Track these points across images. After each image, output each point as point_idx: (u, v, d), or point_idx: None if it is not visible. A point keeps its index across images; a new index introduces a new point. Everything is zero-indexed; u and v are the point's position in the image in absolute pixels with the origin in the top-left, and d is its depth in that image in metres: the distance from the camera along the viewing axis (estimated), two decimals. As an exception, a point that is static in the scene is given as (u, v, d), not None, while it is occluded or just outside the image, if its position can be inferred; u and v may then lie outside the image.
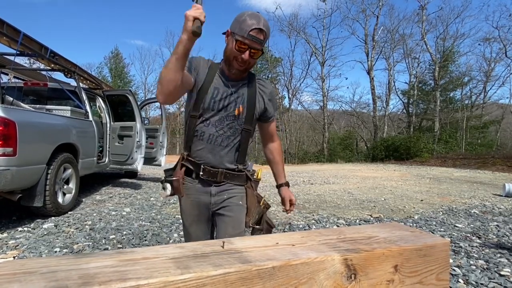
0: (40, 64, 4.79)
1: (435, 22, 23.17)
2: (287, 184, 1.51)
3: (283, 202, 1.50)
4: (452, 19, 22.82)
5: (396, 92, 25.64)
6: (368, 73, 23.25)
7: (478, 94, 24.04)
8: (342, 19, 30.69)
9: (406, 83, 26.32)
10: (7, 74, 4.46)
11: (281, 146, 1.55)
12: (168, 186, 1.35)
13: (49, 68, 4.81)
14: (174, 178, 1.33)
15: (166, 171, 1.41)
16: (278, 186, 1.53)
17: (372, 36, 23.27)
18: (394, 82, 24.85)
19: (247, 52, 1.19)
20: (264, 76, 27.09)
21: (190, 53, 1.10)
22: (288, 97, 26.94)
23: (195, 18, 1.02)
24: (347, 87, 44.44)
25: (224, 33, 1.25)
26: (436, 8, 31.04)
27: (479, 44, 23.09)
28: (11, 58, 4.21)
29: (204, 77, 1.27)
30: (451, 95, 24.88)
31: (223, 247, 0.71)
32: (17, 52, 3.88)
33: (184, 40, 1.03)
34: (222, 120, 1.28)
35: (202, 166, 1.30)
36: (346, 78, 50.37)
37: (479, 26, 36.10)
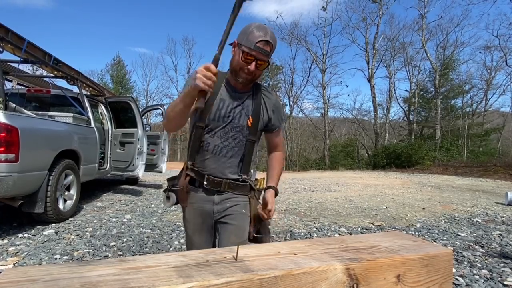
0: (44, 71, 4.84)
1: (435, 30, 23.39)
2: (275, 190, 1.37)
3: (263, 207, 1.34)
4: (452, 28, 23.02)
5: (397, 99, 25.75)
6: (369, 80, 23.33)
7: (479, 102, 24.11)
8: (342, 27, 31.02)
9: (407, 90, 26.41)
10: (11, 81, 4.49)
11: (283, 156, 1.50)
12: (173, 195, 1.34)
13: (52, 75, 4.85)
14: (179, 188, 1.33)
15: (169, 180, 1.41)
16: (266, 189, 1.39)
17: (373, 44, 23.44)
18: (395, 89, 24.98)
19: (254, 63, 1.20)
20: (265, 84, 27.29)
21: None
22: (289, 105, 27.06)
23: (201, 92, 1.03)
24: (348, 95, 44.55)
25: (231, 44, 1.25)
26: (436, 17, 31.33)
27: (480, 52, 23.26)
28: (15, 65, 4.25)
29: None
30: (452, 102, 24.91)
31: (225, 257, 0.71)
32: (21, 59, 3.92)
33: (192, 95, 1.09)
34: (227, 131, 1.29)
35: (206, 176, 1.30)
36: (347, 86, 50.75)
37: (479, 34, 36.47)
